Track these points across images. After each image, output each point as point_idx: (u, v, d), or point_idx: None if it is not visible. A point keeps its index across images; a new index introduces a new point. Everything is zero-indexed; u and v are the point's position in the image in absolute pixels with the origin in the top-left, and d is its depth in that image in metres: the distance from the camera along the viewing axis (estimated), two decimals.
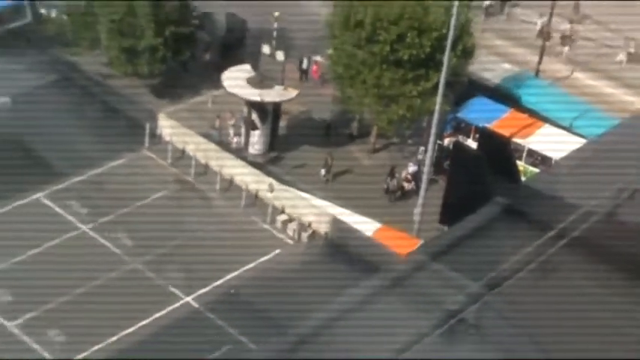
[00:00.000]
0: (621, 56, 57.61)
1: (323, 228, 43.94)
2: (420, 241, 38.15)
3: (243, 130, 49.23)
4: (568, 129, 48.06)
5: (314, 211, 44.21)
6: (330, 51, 49.39)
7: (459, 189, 18.78)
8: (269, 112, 48.41)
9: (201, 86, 52.59)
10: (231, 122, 49.79)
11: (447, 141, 47.91)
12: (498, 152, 18.63)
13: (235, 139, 49.53)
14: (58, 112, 47.90)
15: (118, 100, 50.53)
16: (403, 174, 48.05)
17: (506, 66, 54.37)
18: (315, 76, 54.47)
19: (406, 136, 50.76)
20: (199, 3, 52.50)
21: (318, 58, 54.19)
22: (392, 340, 14.86)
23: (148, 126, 47.97)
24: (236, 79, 48.11)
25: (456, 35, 42.35)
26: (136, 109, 49.91)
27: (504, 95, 50.75)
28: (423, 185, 43.04)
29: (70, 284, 39.51)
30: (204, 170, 47.08)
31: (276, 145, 49.34)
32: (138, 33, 49.70)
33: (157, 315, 39.03)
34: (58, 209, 43.73)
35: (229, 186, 46.36)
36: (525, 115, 49.07)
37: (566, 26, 58.68)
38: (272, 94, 47.81)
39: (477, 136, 43.65)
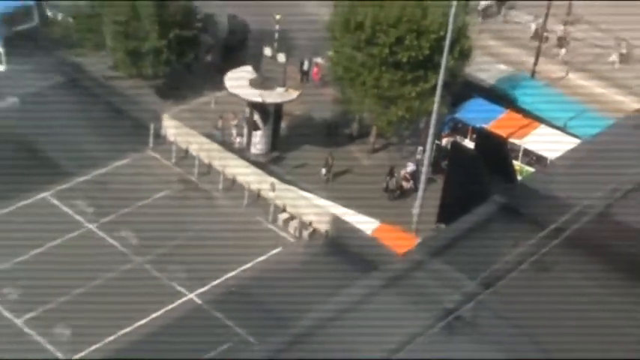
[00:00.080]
0: (614, 57, 57.59)
1: (324, 226, 43.95)
2: (418, 239, 38.19)
3: (245, 131, 49.22)
4: (563, 129, 48.04)
5: (315, 209, 44.22)
6: (330, 53, 49.37)
7: (456, 188, 18.77)
8: (271, 113, 48.39)
9: (205, 87, 52.57)
10: (234, 123, 49.77)
11: (444, 141, 47.89)
12: (495, 152, 18.61)
13: (238, 140, 49.53)
14: (64, 112, 47.84)
15: (123, 101, 50.53)
16: (402, 173, 48.05)
17: (502, 67, 54.34)
18: (316, 77, 54.43)
19: (405, 137, 50.75)
20: (202, 5, 52.42)
21: (318, 60, 54.16)
22: (389, 337, 14.83)
23: (152, 126, 47.97)
24: (238, 81, 48.10)
25: (454, 37, 42.37)
26: (141, 109, 49.92)
27: (501, 96, 50.73)
28: (422, 184, 43.06)
29: (77, 281, 39.55)
30: (208, 170, 47.07)
31: (278, 145, 49.34)
32: (142, 35, 49.69)
33: (161, 311, 39.03)
34: (65, 208, 43.73)
35: (232, 185, 46.36)
36: (521, 116, 49.06)
37: (560, 28, 58.61)
38: (273, 95, 47.80)
39: (474, 136, 43.73)
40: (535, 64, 54.36)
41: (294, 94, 48.37)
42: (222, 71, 49.70)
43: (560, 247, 16.53)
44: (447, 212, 18.66)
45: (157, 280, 40.44)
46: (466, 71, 48.87)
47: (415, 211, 43.24)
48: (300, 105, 50.63)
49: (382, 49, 45.74)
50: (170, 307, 39.33)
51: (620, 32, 56.96)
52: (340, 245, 42.62)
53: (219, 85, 49.43)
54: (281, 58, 51.26)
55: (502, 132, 37.24)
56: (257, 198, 45.64)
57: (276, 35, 53.98)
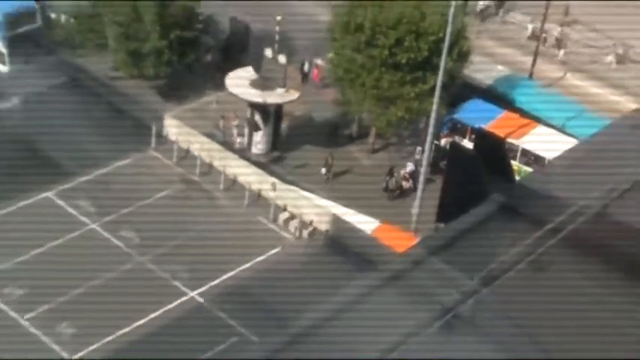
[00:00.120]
0: (610, 58, 57.58)
1: (324, 225, 43.94)
2: (418, 238, 38.22)
3: (246, 131, 49.22)
4: (561, 129, 48.05)
5: (315, 209, 44.21)
6: (330, 54, 49.38)
7: (455, 188, 18.77)
8: (271, 114, 48.41)
9: (206, 88, 52.60)
10: (235, 123, 49.77)
11: (443, 141, 47.89)
12: (493, 152, 18.63)
13: (239, 140, 49.52)
14: (67, 112, 47.80)
15: (125, 101, 50.52)
16: (401, 173, 48.05)
17: (501, 68, 54.38)
18: (316, 78, 54.42)
19: (404, 137, 50.77)
20: (203, 7, 52.42)
21: (319, 61, 54.17)
22: (388, 335, 14.83)
23: (154, 126, 47.97)
24: (239, 82, 48.12)
25: (453, 39, 42.39)
26: (142, 109, 49.89)
27: (499, 97, 50.76)
28: (421, 184, 43.07)
29: (79, 281, 39.50)
30: (209, 170, 47.07)
31: (279, 145, 49.34)
32: (144, 36, 49.69)
33: (164, 309, 39.01)
34: (67, 208, 43.71)
35: (233, 185, 46.35)
36: (519, 116, 49.06)
37: (557, 29, 58.59)
38: (274, 96, 47.81)
39: (473, 136, 43.79)
40: (533, 65, 54.37)
41: (294, 94, 48.38)
42: (223, 72, 49.73)
43: (558, 246, 16.54)
44: (446, 212, 18.67)
45: (160, 281, 40.38)
46: (465, 72, 48.88)
47: (414, 210, 43.26)
48: (301, 106, 50.63)
49: (382, 51, 45.76)
50: (171, 306, 39.31)
51: (615, 33, 56.94)
52: (340, 244, 42.60)
53: (221, 86, 49.45)
54: (282, 59, 51.24)
55: (500, 132, 37.29)
56: (258, 197, 45.64)
57: (277, 37, 53.99)
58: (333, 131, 50.69)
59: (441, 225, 19.07)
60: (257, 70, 48.75)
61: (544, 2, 53.95)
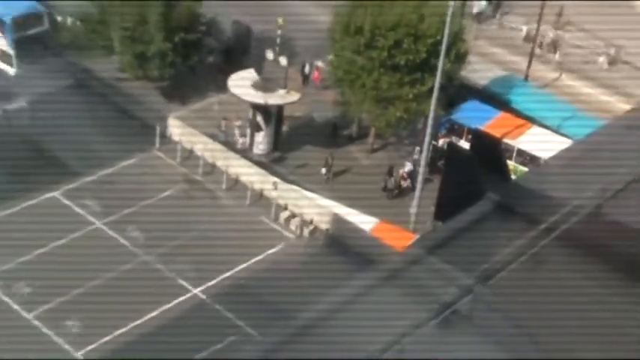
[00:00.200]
0: (602, 59, 57.48)
1: (324, 224, 43.91)
2: (416, 236, 38.16)
3: (248, 131, 49.18)
4: (555, 130, 48.01)
5: (315, 208, 44.17)
6: (330, 56, 49.35)
7: (452, 187, 18.74)
8: (273, 115, 48.38)
9: (209, 89, 52.53)
10: (237, 124, 49.73)
11: (441, 142, 47.84)
12: (490, 152, 18.61)
13: (241, 140, 49.48)
14: (73, 113, 47.78)
15: (130, 102, 50.48)
16: (400, 172, 48.01)
17: (497, 70, 54.33)
18: (317, 80, 54.37)
19: (403, 137, 50.74)
20: (206, 9, 52.36)
21: (319, 63, 54.10)
22: (387, 331, 14.79)
23: (158, 127, 47.93)
24: (241, 83, 48.09)
25: (450, 41, 42.40)
26: (147, 110, 49.84)
27: (495, 98, 50.73)
28: (419, 184, 43.07)
29: (83, 281, 39.54)
30: (212, 169, 47.04)
31: (280, 145, 49.30)
32: (148, 39, 49.66)
33: (167, 306, 39.03)
34: (73, 207, 43.68)
35: (235, 184, 46.32)
36: (515, 117, 49.03)
37: (551, 31, 58.46)
38: (275, 98, 47.78)
39: (470, 137, 43.71)
40: (528, 67, 54.32)
41: (295, 96, 48.35)
42: (226, 73, 49.69)
43: (553, 245, 16.51)
44: (444, 210, 18.64)
45: (165, 280, 40.37)
46: (462, 74, 48.85)
47: (413, 209, 43.23)
48: (302, 107, 50.57)
49: (381, 53, 45.76)
50: (174, 302, 39.31)
51: (606, 33, 56.80)
52: (340, 242, 42.57)
53: (223, 87, 49.40)
54: (283, 61, 51.31)
55: (497, 133, 37.22)
56: (259, 196, 45.60)
57: (278, 39, 53.99)
58: (333, 132, 50.70)
59: (439, 223, 19.04)
60: (258, 71, 48.71)
61: (539, 3, 53.86)
